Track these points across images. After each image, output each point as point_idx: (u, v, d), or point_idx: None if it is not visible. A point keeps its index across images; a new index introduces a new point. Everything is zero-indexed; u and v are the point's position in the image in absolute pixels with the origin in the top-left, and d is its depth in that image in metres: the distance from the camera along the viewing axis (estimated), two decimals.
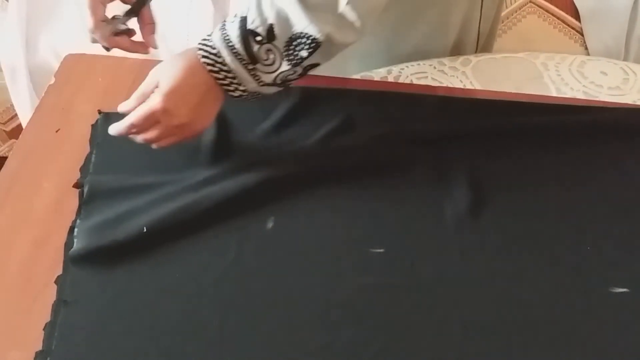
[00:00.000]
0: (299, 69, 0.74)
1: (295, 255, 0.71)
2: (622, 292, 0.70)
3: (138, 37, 0.85)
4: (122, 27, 0.83)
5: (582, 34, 1.39)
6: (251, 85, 0.74)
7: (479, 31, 1.11)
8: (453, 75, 1.01)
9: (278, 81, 0.74)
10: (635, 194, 0.80)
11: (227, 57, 0.72)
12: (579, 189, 0.80)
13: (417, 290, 0.69)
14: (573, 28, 1.39)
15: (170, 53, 1.10)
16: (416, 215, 0.76)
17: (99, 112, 0.85)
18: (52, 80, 0.91)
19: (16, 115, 1.41)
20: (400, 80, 1.00)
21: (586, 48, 1.39)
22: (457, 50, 1.10)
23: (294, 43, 0.71)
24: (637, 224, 0.77)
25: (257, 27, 0.71)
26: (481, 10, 1.08)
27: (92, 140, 0.82)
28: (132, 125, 0.73)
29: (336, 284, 0.69)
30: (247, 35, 0.71)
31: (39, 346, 0.62)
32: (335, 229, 0.74)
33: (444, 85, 0.98)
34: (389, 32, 1.04)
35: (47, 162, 0.80)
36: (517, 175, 0.81)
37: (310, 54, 0.71)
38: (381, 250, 0.72)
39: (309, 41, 0.71)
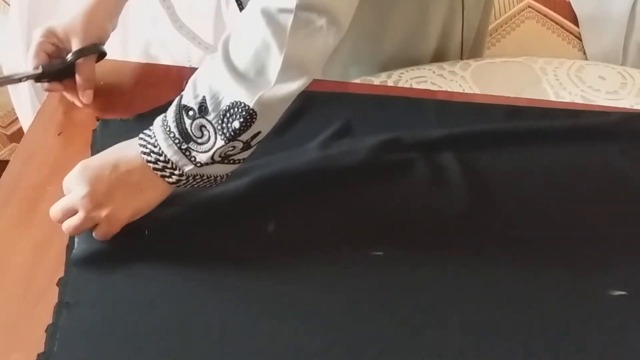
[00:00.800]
0: (238, 144, 0.68)
1: (295, 258, 0.71)
2: (620, 295, 0.70)
3: None
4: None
5: (580, 39, 1.40)
6: (187, 167, 0.68)
7: (462, 39, 1.11)
8: (452, 80, 1.01)
9: (217, 158, 0.68)
10: (633, 197, 0.81)
11: (160, 137, 0.68)
12: (578, 192, 0.81)
13: (417, 293, 0.69)
14: (571, 33, 1.40)
15: (172, 59, 1.10)
16: (415, 218, 0.76)
17: (97, 119, 0.85)
18: None
19: (17, 119, 1.41)
20: (400, 85, 1.00)
21: (584, 53, 1.39)
22: (439, 57, 1.10)
23: (227, 114, 0.66)
24: (634, 227, 0.77)
25: (189, 102, 0.67)
26: (463, 17, 1.08)
27: (93, 146, 0.82)
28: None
29: (336, 287, 0.69)
30: (180, 111, 0.68)
31: (40, 348, 0.62)
32: (335, 232, 0.74)
33: (444, 89, 0.99)
34: (363, 36, 1.04)
35: (49, 165, 0.80)
36: (516, 179, 0.82)
37: (244, 124, 0.66)
38: (380, 252, 0.72)
39: (240, 110, 0.66)
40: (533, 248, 0.74)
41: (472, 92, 0.99)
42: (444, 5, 1.06)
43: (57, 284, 0.67)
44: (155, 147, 0.68)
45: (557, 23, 1.40)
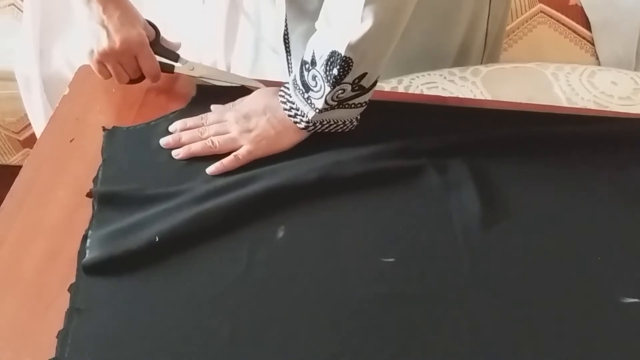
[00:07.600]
0: (346, 86, 0.77)
1: (305, 265, 0.72)
2: (632, 303, 0.69)
3: None
4: None
5: (593, 44, 1.39)
6: (310, 113, 0.79)
7: (487, 31, 1.11)
8: (463, 86, 1.01)
9: (331, 103, 0.78)
10: None
11: (291, 88, 0.81)
12: (590, 199, 0.80)
13: (427, 299, 0.69)
14: (584, 38, 1.39)
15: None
16: (426, 224, 0.76)
17: (104, 128, 0.85)
18: (67, 91, 0.92)
19: (30, 124, 1.42)
20: (411, 91, 1.00)
21: (597, 58, 1.38)
22: (465, 49, 1.10)
23: (328, 63, 0.76)
24: None
25: (306, 57, 0.78)
26: (489, 8, 1.08)
27: (103, 153, 0.83)
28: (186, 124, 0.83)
29: (346, 293, 0.69)
30: (302, 66, 0.79)
31: (52, 353, 0.63)
32: (346, 238, 0.74)
33: (454, 95, 0.99)
34: None
35: (61, 171, 0.81)
36: (527, 185, 0.81)
37: (341, 70, 0.75)
38: (392, 259, 0.72)
39: (336, 58, 0.74)
40: (545, 255, 0.74)
41: (483, 98, 0.99)
42: None
43: (69, 290, 0.68)
44: (290, 97, 0.81)
45: (569, 28, 1.40)
